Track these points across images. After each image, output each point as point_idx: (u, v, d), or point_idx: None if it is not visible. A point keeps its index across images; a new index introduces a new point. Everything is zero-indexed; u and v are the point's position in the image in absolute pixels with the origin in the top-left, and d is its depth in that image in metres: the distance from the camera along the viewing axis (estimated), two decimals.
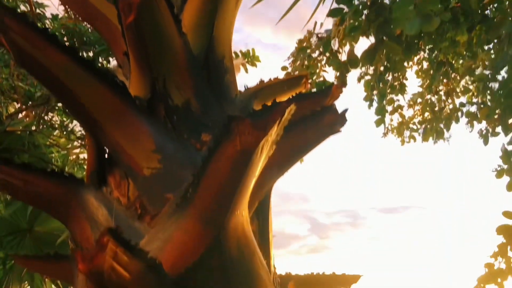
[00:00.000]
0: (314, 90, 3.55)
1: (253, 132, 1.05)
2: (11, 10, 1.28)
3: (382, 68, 4.41)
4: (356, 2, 2.73)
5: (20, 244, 4.50)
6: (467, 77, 4.95)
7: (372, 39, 2.79)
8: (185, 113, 1.47)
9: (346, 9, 2.78)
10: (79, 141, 5.56)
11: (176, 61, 1.49)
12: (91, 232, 1.34)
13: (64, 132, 5.41)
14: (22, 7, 4.98)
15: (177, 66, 1.47)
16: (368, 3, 2.65)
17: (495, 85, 3.48)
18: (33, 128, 5.03)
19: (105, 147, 1.49)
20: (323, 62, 3.83)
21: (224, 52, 1.66)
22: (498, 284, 3.80)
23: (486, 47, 3.97)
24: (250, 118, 1.06)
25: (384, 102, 4.60)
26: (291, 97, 1.57)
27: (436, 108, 4.94)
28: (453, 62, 4.55)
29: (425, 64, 5.28)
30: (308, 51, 3.81)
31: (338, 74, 3.58)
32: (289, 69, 4.06)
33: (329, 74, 4.14)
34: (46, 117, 5.47)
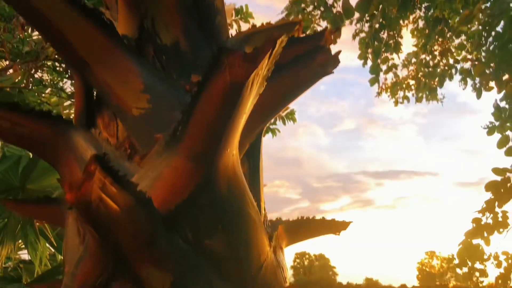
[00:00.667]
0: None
1: (243, 64, 1.03)
2: None
3: (377, 26, 4.34)
4: None
5: None
6: (462, 37, 4.91)
7: None
8: (174, 54, 1.44)
9: None
10: (71, 100, 5.51)
11: None
12: (80, 173, 1.33)
13: (55, 91, 5.34)
14: None
15: (166, 5, 1.43)
16: None
17: (490, 41, 3.44)
18: (23, 86, 4.95)
19: (93, 88, 1.46)
20: (317, 17, 3.76)
21: None
22: (484, 239, 3.90)
23: (483, 6, 3.91)
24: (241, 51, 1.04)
25: (379, 60, 4.56)
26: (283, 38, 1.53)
27: (431, 66, 4.90)
28: (449, 20, 4.49)
29: (421, 23, 5.22)
30: (303, 5, 3.73)
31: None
32: None
33: None
34: (36, 76, 5.39)
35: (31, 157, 4.39)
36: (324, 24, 3.75)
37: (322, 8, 3.54)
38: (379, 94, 5.31)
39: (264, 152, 1.62)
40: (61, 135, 1.39)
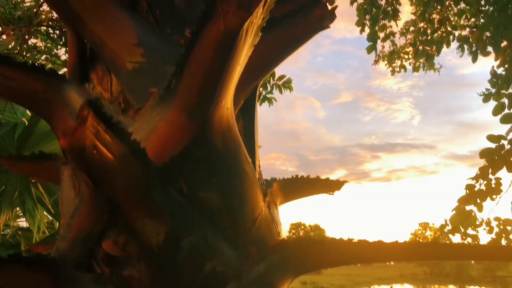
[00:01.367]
0: None
1: (237, 12, 1.01)
2: None
3: None
4: None
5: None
6: (462, 4, 4.84)
7: None
8: (168, 7, 1.41)
9: None
10: (65, 68, 5.44)
11: None
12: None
13: (49, 57, 5.27)
14: None
15: None
16: None
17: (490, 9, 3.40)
18: (16, 52, 4.88)
19: (86, 43, 1.45)
20: None
21: None
22: (477, 205, 3.95)
23: None
24: None
25: (376, 28, 4.51)
26: None
27: (429, 34, 4.86)
28: None
29: None
30: None
31: None
32: None
33: None
34: (30, 42, 5.31)
35: (27, 124, 4.37)
36: None
37: None
38: (376, 62, 5.28)
39: (261, 124, 1.62)
40: (55, 90, 1.37)
